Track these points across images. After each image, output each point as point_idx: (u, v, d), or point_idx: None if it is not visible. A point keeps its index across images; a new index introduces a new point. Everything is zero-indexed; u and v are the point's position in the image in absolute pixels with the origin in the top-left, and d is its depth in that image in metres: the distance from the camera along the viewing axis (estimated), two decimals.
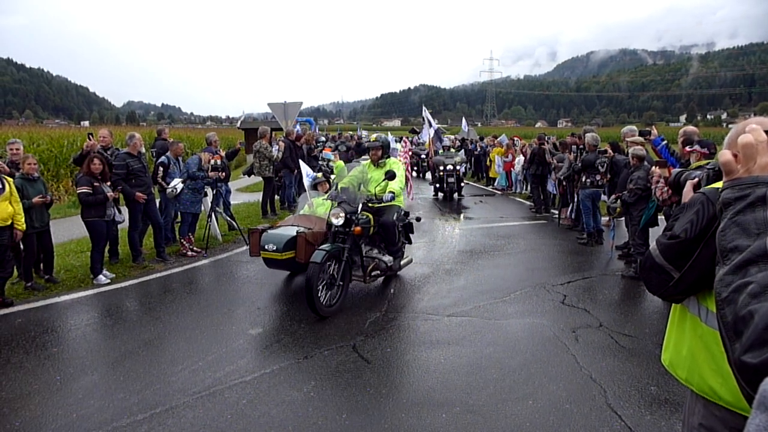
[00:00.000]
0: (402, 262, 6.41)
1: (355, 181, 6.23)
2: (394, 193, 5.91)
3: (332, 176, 7.12)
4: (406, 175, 13.18)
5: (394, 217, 6.01)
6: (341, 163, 7.16)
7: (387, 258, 6.09)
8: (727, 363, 0.83)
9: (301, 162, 8.09)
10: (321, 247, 5.29)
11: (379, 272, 6.01)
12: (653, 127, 6.86)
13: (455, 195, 14.23)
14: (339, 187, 6.05)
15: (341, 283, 5.37)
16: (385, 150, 6.40)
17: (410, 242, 6.90)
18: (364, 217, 5.75)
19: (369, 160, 6.47)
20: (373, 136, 6.13)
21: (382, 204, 5.90)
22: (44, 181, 6.72)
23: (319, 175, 8.14)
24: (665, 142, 6.52)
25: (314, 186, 7.59)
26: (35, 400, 3.66)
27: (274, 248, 5.68)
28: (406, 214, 6.62)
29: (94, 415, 3.46)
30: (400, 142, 17.41)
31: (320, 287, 5.13)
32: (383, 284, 6.35)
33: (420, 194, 15.35)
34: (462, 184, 14.46)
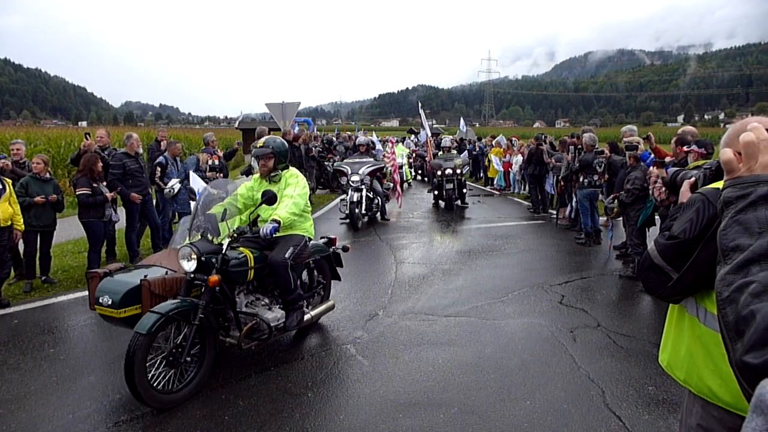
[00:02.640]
0: (313, 313, 4.73)
1: (234, 203, 4.47)
2: (278, 222, 4.08)
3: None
4: (393, 179, 12.06)
5: (286, 254, 4.16)
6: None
7: (272, 314, 4.22)
8: (726, 364, 0.83)
9: (191, 173, 6.71)
10: (156, 307, 3.58)
11: (264, 333, 4.13)
12: (641, 141, 6.90)
13: (457, 203, 12.48)
14: (205, 213, 4.26)
15: (189, 359, 3.66)
16: (280, 159, 4.47)
17: (338, 279, 5.37)
18: (240, 256, 4.01)
19: (257, 175, 4.60)
20: (261, 141, 4.51)
21: (274, 235, 4.11)
22: (57, 183, 6.70)
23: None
24: (653, 156, 6.67)
25: None
26: (32, 401, 3.64)
27: (110, 302, 3.76)
28: (330, 242, 5.21)
29: (91, 415, 3.44)
30: (386, 143, 15.36)
31: (154, 366, 3.54)
32: (381, 285, 6.34)
33: (418, 194, 15.34)
34: (465, 191, 12.57)
